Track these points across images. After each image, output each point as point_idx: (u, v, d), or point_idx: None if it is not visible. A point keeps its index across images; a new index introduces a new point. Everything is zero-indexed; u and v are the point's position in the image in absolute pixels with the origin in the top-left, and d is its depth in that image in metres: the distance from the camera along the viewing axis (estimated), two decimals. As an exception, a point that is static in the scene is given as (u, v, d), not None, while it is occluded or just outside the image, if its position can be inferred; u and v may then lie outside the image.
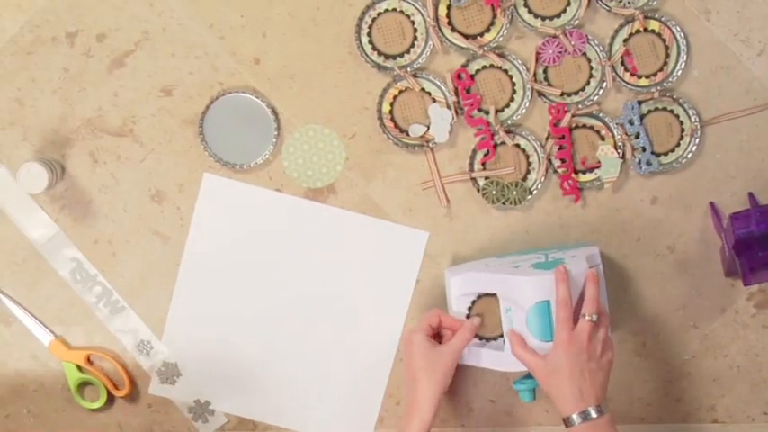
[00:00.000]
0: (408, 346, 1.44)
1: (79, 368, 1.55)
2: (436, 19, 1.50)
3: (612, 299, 1.52)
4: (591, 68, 1.51)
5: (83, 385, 1.56)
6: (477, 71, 1.51)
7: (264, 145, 1.53)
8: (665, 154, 1.52)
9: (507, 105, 1.52)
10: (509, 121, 1.52)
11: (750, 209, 1.44)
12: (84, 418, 1.56)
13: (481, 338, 1.48)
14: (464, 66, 1.51)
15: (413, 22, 1.51)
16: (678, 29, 1.50)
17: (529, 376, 1.47)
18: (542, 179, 1.52)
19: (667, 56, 1.50)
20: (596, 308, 1.37)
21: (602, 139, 1.52)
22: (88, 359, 1.56)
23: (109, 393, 1.55)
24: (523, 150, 1.52)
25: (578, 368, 1.34)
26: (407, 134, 1.53)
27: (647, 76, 1.51)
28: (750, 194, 1.52)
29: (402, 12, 1.51)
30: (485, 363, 1.46)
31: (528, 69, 1.51)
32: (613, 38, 1.50)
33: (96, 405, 1.55)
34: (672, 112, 1.51)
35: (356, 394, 1.55)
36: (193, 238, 1.54)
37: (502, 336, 1.46)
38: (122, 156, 1.53)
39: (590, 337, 1.35)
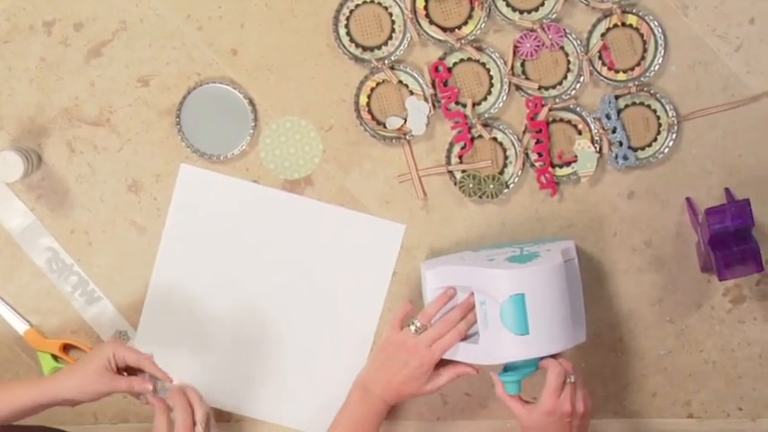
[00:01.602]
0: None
1: (54, 357, 1.55)
2: (414, 11, 1.50)
3: (588, 293, 1.51)
4: (568, 62, 1.51)
5: (58, 375, 1.56)
6: (455, 64, 1.51)
7: (241, 136, 1.52)
8: (642, 149, 1.52)
9: (484, 98, 1.52)
10: (486, 115, 1.52)
11: (725, 204, 1.43)
12: (58, 407, 1.55)
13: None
14: (441, 58, 1.51)
15: (390, 15, 1.50)
16: (656, 24, 1.49)
17: (514, 368, 1.45)
18: (519, 173, 1.52)
19: (645, 51, 1.50)
20: (572, 368, 1.39)
21: (580, 133, 1.52)
22: (63, 349, 1.55)
23: (84, 383, 1.55)
24: (500, 144, 1.52)
25: (561, 430, 1.38)
26: (384, 126, 1.52)
27: (625, 71, 1.51)
28: (726, 190, 1.51)
29: (380, 4, 1.50)
30: (459, 356, 1.45)
31: (505, 63, 1.50)
32: (591, 32, 1.50)
33: (71, 395, 1.55)
34: (649, 106, 1.51)
35: (332, 386, 1.54)
36: (170, 228, 1.54)
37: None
38: (99, 145, 1.53)
39: (572, 401, 1.37)
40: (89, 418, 1.57)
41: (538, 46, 1.50)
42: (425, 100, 1.51)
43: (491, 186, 1.52)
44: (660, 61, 1.50)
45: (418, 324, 1.44)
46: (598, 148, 1.51)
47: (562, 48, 1.51)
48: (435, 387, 1.44)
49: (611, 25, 1.50)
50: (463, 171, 1.52)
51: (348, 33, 1.51)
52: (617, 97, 1.50)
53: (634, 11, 1.50)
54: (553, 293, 1.41)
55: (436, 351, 1.42)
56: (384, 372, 1.44)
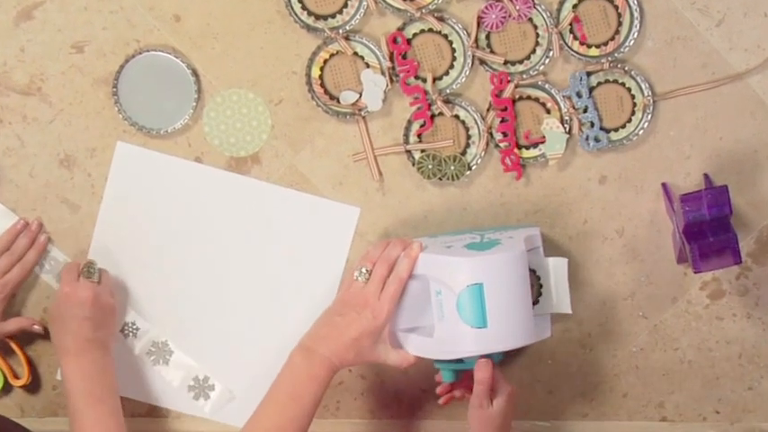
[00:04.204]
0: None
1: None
2: (371, -23, 1.47)
3: (555, 285, 1.51)
4: (537, 35, 1.48)
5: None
6: (415, 35, 1.48)
7: (184, 109, 1.49)
8: (616, 130, 1.49)
9: (446, 73, 1.49)
10: (448, 90, 1.49)
11: (701, 190, 1.40)
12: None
13: None
14: (400, 29, 1.48)
15: (346, -20, 1.48)
16: (631, -5, 1.49)
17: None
18: (482, 154, 1.49)
19: (619, 24, 1.47)
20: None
21: (548, 112, 1.49)
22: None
23: (6, 381, 1.52)
24: (463, 122, 1.49)
25: None
26: (338, 101, 1.49)
27: (598, 46, 1.48)
28: (705, 175, 1.49)
29: (334, -32, 1.48)
30: (413, 350, 1.41)
31: (469, 35, 1.47)
32: (562, 3, 1.47)
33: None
34: (623, 84, 1.48)
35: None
36: (106, 208, 1.51)
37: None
38: (29, 116, 1.50)
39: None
40: (15, 412, 1.54)
41: (504, 17, 1.47)
42: (382, 73, 1.48)
43: (452, 168, 1.49)
44: (636, 36, 1.47)
45: (364, 270, 1.40)
46: (568, 129, 1.49)
47: (530, 19, 1.47)
48: (388, 357, 1.40)
49: (583, -4, 1.49)
50: (422, 151, 1.50)
51: (300, 0, 1.47)
52: (589, 74, 1.48)
53: (608, -19, 1.48)
54: (514, 284, 1.37)
55: (384, 302, 1.39)
56: (333, 328, 1.39)
